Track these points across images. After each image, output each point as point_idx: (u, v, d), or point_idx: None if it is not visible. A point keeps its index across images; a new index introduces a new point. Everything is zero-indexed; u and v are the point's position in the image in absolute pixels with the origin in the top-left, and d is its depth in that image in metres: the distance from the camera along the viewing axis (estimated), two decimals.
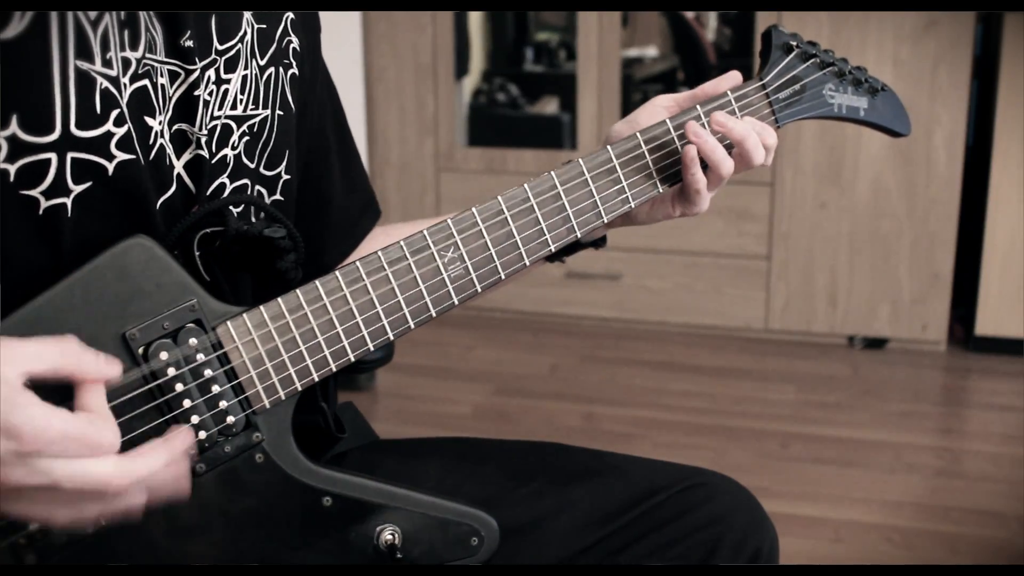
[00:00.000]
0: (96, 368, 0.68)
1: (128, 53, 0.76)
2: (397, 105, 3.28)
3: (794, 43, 0.98)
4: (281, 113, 0.91)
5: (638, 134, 0.92)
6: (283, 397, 0.80)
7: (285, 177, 0.92)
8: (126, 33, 0.76)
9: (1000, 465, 2.39)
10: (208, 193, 0.84)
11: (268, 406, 0.79)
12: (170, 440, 0.71)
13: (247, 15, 0.87)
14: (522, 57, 3.58)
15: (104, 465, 0.66)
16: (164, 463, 0.69)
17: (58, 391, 0.67)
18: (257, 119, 0.88)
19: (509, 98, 3.49)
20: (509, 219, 0.86)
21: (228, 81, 0.85)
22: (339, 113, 1.04)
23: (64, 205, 0.74)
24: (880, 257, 3.01)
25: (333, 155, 1.02)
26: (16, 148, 0.71)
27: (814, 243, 3.05)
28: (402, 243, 0.83)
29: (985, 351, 3.01)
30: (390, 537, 0.82)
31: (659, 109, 0.98)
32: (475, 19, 3.42)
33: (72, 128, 0.73)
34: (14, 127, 0.70)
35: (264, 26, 0.89)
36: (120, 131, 0.76)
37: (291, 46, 0.92)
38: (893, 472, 2.36)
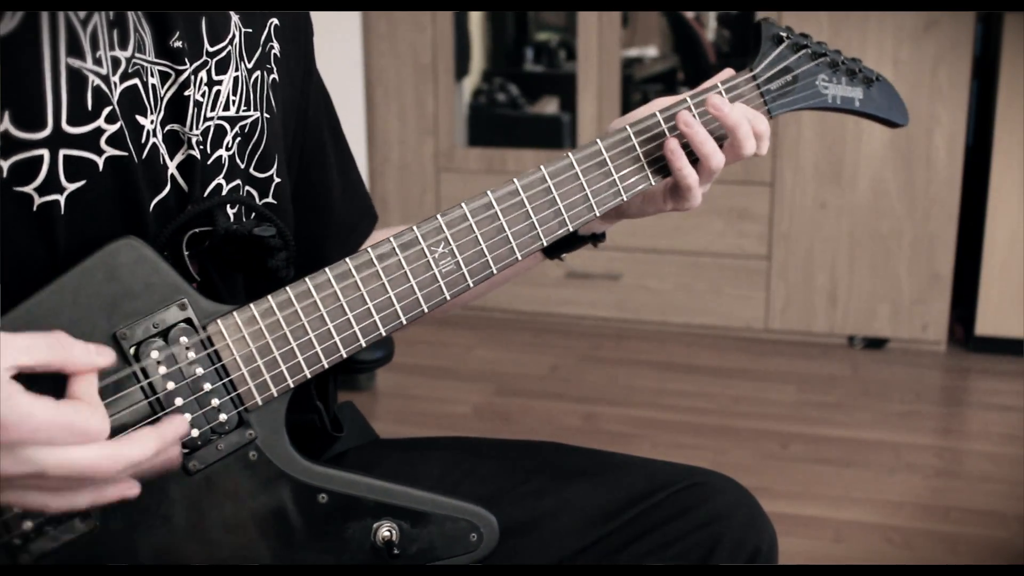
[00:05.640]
0: (86, 358, 0.68)
1: (118, 52, 0.77)
2: (397, 105, 3.28)
3: (784, 34, 0.98)
4: (268, 116, 0.91)
5: (628, 126, 0.91)
6: (275, 394, 0.79)
7: (277, 180, 0.93)
8: (115, 32, 0.76)
9: (1000, 465, 2.39)
10: (205, 195, 0.84)
11: (260, 403, 0.79)
12: (161, 427, 0.72)
13: (234, 19, 0.87)
14: (522, 57, 3.58)
15: (91, 451, 0.66)
16: (154, 450, 0.70)
17: (52, 381, 0.67)
18: (249, 120, 0.89)
19: (509, 98, 3.49)
20: (499, 213, 0.86)
21: (220, 82, 0.85)
22: (335, 120, 1.04)
23: (57, 203, 0.74)
24: (880, 257, 3.01)
25: (331, 162, 1.02)
26: (8, 144, 0.71)
27: (814, 243, 3.05)
28: (392, 239, 0.82)
29: (985, 351, 3.01)
30: (387, 534, 0.82)
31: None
32: (475, 19, 3.42)
33: (64, 124, 0.73)
34: (6, 123, 0.71)
35: (250, 30, 0.89)
36: (112, 128, 0.76)
37: (273, 52, 0.92)
38: (893, 472, 2.36)
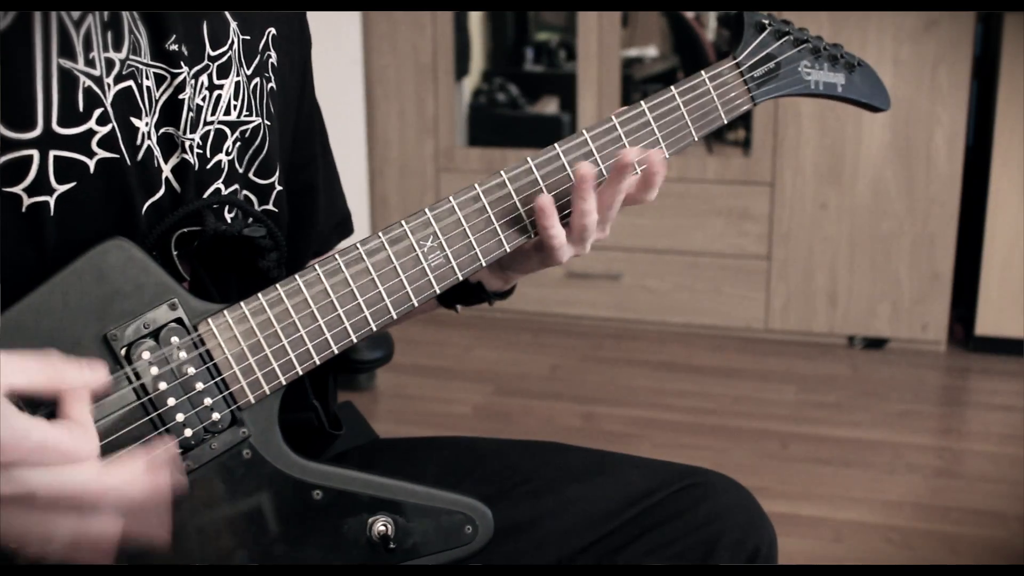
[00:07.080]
0: (79, 378, 0.68)
1: (112, 54, 0.76)
2: (397, 105, 3.28)
3: (766, 21, 0.97)
4: (268, 123, 0.91)
5: (613, 116, 0.89)
6: (268, 392, 0.79)
7: (278, 188, 0.93)
8: (109, 34, 0.76)
9: (1000, 465, 2.39)
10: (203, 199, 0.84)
11: (253, 401, 0.79)
12: (149, 446, 0.72)
13: (233, 25, 0.87)
14: (522, 57, 3.58)
15: (80, 473, 0.66)
16: (142, 471, 0.69)
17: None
18: (250, 126, 0.89)
19: (509, 98, 3.49)
20: (487, 206, 0.86)
21: (221, 87, 0.85)
22: (324, 135, 1.04)
23: (47, 203, 0.74)
24: (880, 257, 3.01)
25: (320, 176, 1.02)
26: None
27: (814, 243, 3.05)
28: (380, 234, 0.82)
29: (985, 351, 3.01)
30: (383, 528, 0.82)
31: None
32: (475, 19, 3.42)
33: (54, 125, 0.73)
34: None
35: (248, 38, 0.89)
36: (103, 130, 0.76)
37: (270, 60, 0.92)
38: (893, 472, 2.36)
